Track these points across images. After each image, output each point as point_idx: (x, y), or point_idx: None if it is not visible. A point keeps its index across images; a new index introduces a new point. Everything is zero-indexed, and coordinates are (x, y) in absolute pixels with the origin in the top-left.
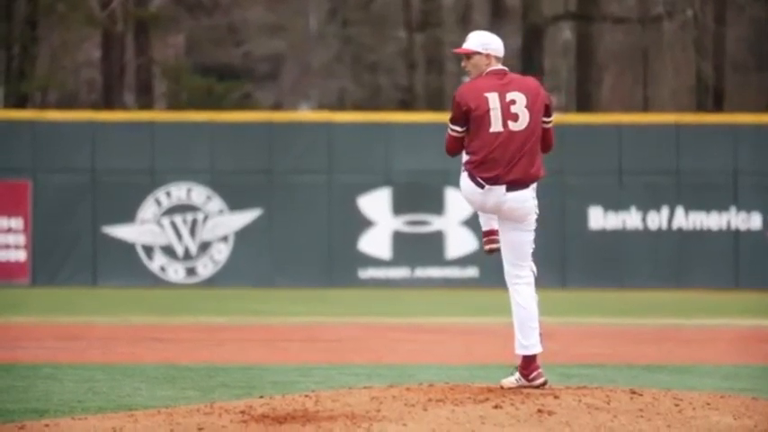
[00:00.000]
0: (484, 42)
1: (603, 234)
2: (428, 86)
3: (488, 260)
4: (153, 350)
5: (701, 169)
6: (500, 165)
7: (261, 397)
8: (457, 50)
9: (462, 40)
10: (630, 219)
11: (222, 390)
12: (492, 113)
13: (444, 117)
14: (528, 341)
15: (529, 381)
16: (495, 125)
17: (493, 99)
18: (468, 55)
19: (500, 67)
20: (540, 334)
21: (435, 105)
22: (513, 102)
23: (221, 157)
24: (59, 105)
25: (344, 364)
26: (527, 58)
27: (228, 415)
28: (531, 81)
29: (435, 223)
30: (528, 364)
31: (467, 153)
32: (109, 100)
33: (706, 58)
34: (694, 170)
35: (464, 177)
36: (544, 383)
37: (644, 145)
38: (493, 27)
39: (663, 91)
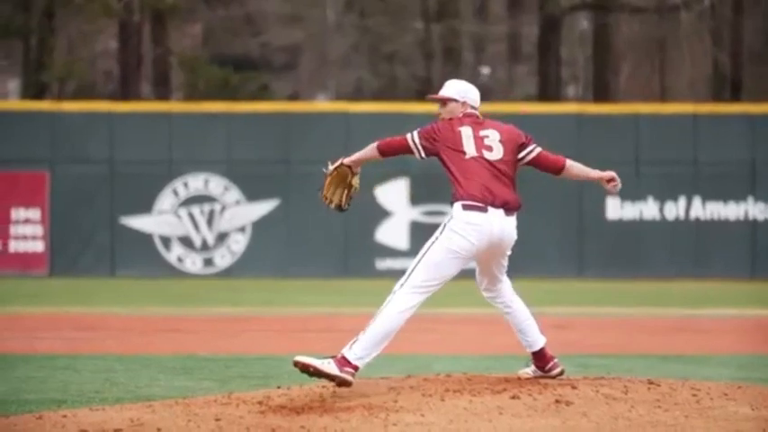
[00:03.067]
0: (461, 90)
1: (620, 224)
2: (445, 77)
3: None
4: (170, 341)
5: (718, 159)
6: (485, 187)
7: (278, 387)
8: (432, 97)
9: (481, 30)
10: (648, 209)
11: (240, 380)
12: (465, 142)
13: None
14: (530, 338)
15: (545, 372)
16: (470, 152)
17: (466, 131)
18: (444, 102)
19: (475, 111)
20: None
21: None
22: (486, 136)
23: (238, 147)
24: (77, 96)
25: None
26: (544, 49)
27: (246, 405)
28: (506, 125)
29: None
30: (540, 357)
31: (453, 187)
32: (126, 91)
33: (723, 48)
34: (711, 160)
35: (459, 209)
36: (561, 373)
37: (661, 135)
38: (510, 17)
39: (680, 81)
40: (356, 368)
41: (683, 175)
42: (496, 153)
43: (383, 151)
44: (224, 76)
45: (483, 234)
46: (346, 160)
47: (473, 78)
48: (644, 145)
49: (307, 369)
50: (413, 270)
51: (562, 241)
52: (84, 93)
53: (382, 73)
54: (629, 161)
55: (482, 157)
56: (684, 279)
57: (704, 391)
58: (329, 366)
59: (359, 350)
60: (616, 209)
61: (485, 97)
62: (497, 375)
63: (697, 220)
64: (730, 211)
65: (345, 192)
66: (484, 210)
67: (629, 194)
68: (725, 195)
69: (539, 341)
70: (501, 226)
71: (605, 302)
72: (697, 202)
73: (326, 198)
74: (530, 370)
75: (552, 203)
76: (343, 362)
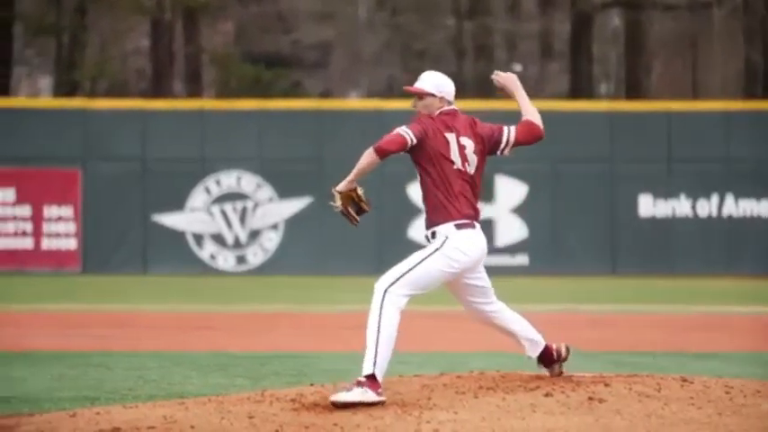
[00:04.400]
0: (438, 84)
1: (653, 221)
2: (477, 74)
3: (538, 248)
4: (203, 338)
5: (750, 156)
6: (470, 203)
7: (312, 385)
8: (410, 89)
9: (513, 27)
10: (680, 206)
11: (273, 378)
12: (452, 150)
13: (493, 105)
14: (533, 335)
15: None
16: (457, 162)
17: (452, 139)
18: (421, 96)
19: (452, 107)
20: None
21: (484, 93)
22: (464, 146)
23: (271, 145)
24: (109, 94)
25: (395, 353)
26: (576, 46)
27: (279, 403)
28: (476, 126)
29: (485, 211)
30: (543, 358)
31: (440, 202)
32: (158, 88)
33: (755, 45)
34: (744, 157)
35: (453, 230)
36: (560, 373)
37: (693, 132)
38: (542, 14)
39: (712, 78)
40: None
41: (715, 172)
42: (473, 165)
43: (385, 153)
44: (256, 73)
45: (477, 250)
46: (346, 185)
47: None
48: (676, 142)
49: (347, 406)
50: (407, 272)
51: (595, 239)
52: (116, 90)
53: (414, 70)
54: (662, 159)
55: (464, 170)
56: (717, 276)
57: (737, 389)
58: (368, 395)
59: (381, 365)
60: (649, 206)
61: None
62: (530, 373)
63: (729, 217)
64: (763, 208)
65: (357, 207)
66: (473, 227)
67: (661, 192)
68: (757, 192)
69: (541, 342)
70: (484, 240)
71: (638, 300)
72: (729, 199)
73: (348, 215)
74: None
75: (585, 201)
76: (374, 383)
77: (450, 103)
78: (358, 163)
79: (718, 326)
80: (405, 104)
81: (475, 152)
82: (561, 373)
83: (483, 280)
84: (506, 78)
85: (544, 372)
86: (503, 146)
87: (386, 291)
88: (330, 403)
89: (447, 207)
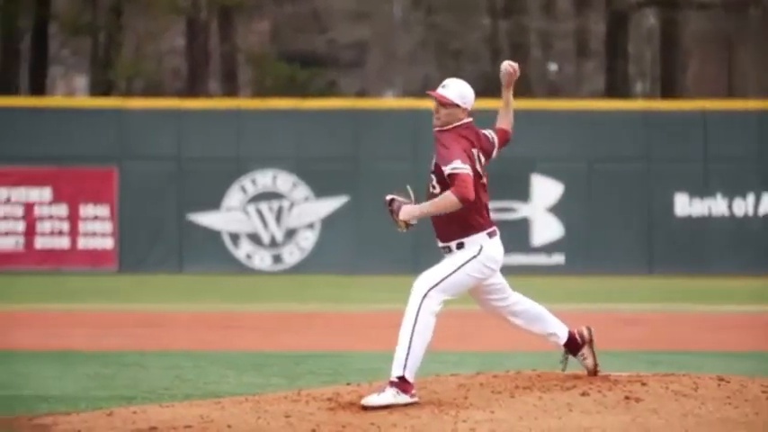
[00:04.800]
0: (463, 95)
1: (689, 221)
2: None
3: (574, 247)
4: (239, 337)
5: None
6: (489, 211)
7: (348, 384)
8: (440, 99)
9: (548, 26)
10: (716, 205)
11: (309, 377)
12: (478, 167)
13: (530, 104)
14: (554, 326)
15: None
16: (482, 177)
17: (476, 154)
18: (445, 104)
19: (470, 120)
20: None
21: (520, 93)
22: (482, 159)
23: (307, 144)
24: (144, 93)
25: (431, 352)
26: (611, 45)
27: (316, 402)
28: (482, 140)
29: (521, 210)
30: (569, 346)
31: (468, 213)
32: (194, 88)
33: None
34: None
35: (486, 239)
36: (593, 364)
37: (729, 131)
38: (578, 13)
39: (748, 77)
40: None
41: (751, 171)
42: (485, 176)
43: (468, 203)
44: (291, 72)
45: (502, 256)
46: (413, 217)
47: (541, 75)
48: (712, 141)
49: (378, 409)
50: (446, 278)
51: (631, 238)
52: (151, 90)
53: (449, 70)
54: (697, 158)
55: (485, 182)
56: (753, 275)
57: None
58: (401, 397)
59: (412, 367)
60: (685, 205)
61: (553, 93)
62: (567, 372)
63: (766, 216)
64: None
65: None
66: (497, 234)
67: (697, 191)
68: None
69: (564, 329)
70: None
71: (674, 299)
72: (766, 198)
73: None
74: (564, 364)
75: (621, 200)
76: (406, 385)
77: (469, 114)
78: (438, 203)
79: (754, 325)
80: None
81: (485, 163)
82: (593, 361)
83: (499, 277)
84: (514, 75)
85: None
86: (495, 151)
87: (425, 295)
88: (361, 407)
89: (478, 219)
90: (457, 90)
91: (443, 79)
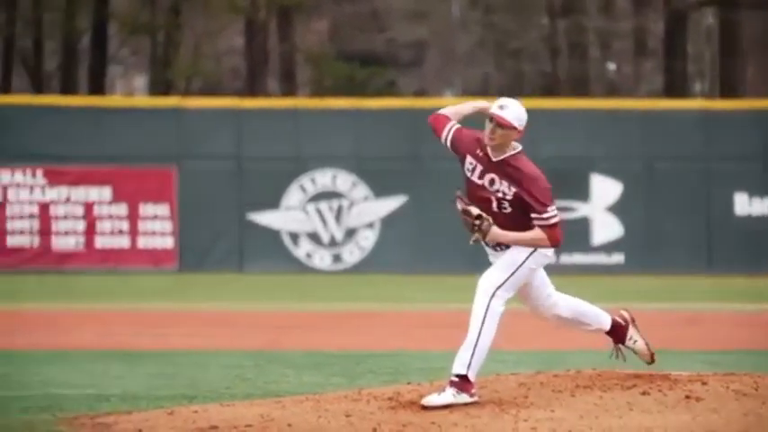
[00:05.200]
0: (521, 119)
1: (749, 220)
2: (571, 72)
3: (634, 246)
4: (300, 336)
5: None
6: None
7: (408, 383)
8: (500, 121)
9: (607, 25)
10: None
11: (370, 376)
12: None
13: (589, 103)
14: (595, 318)
15: (626, 344)
16: None
17: None
18: (504, 125)
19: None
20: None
21: (579, 92)
22: None
23: (366, 143)
24: (203, 92)
25: (492, 351)
26: (670, 44)
27: (376, 401)
28: None
29: (581, 209)
30: (614, 334)
31: (526, 223)
32: (253, 87)
33: None
34: None
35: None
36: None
37: None
38: (636, 12)
39: None
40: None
41: None
42: None
43: (558, 245)
44: (350, 72)
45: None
46: (498, 240)
47: (599, 74)
48: None
49: (438, 408)
50: (511, 275)
51: (691, 237)
52: (210, 89)
53: (508, 69)
54: (757, 157)
55: None
56: None
57: None
58: (461, 397)
59: (476, 366)
60: (744, 205)
61: (612, 93)
62: (627, 371)
63: None
64: None
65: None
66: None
67: (757, 190)
68: None
69: (606, 316)
70: None
71: (734, 298)
72: None
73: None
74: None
75: (680, 200)
76: (467, 384)
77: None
78: (527, 240)
79: None
80: None
81: None
82: (643, 341)
83: (543, 272)
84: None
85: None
86: None
87: (492, 295)
88: (421, 406)
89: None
90: (516, 113)
91: (501, 79)
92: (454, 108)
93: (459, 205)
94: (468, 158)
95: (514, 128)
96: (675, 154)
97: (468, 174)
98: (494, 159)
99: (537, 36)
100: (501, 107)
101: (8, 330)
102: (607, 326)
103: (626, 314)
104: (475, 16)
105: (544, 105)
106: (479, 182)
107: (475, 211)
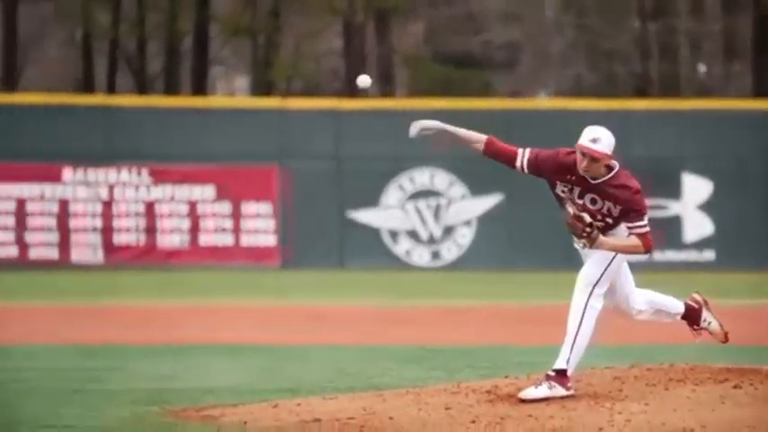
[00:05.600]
0: (611, 143)
1: None
2: (662, 74)
3: (725, 244)
4: (400, 332)
5: None
6: None
7: (506, 377)
8: (595, 155)
9: (697, 27)
10: None
11: (468, 370)
12: None
13: (679, 104)
14: (673, 306)
15: (700, 325)
16: None
17: None
18: (599, 158)
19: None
20: None
21: (670, 93)
22: None
23: None
24: (303, 93)
25: (587, 345)
26: (760, 47)
27: (475, 395)
28: None
29: (672, 208)
30: (688, 318)
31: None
32: (351, 88)
33: None
34: None
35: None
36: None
37: None
38: (726, 14)
39: None
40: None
41: None
42: None
43: (650, 252)
44: (446, 73)
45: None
46: (603, 247)
47: (690, 75)
48: None
49: (535, 401)
50: (605, 271)
51: None
52: (310, 90)
53: (600, 70)
54: None
55: None
56: None
57: None
58: (557, 390)
59: (573, 362)
60: None
61: (702, 94)
62: (719, 365)
63: None
64: None
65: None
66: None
67: None
68: None
69: (679, 303)
70: None
71: None
72: None
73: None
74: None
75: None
76: (564, 378)
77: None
78: (627, 247)
79: None
80: (591, 104)
81: None
82: (717, 321)
83: (627, 269)
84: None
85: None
86: None
87: (590, 293)
88: (519, 399)
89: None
90: (606, 143)
91: (594, 80)
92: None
93: (571, 210)
94: (560, 185)
95: (607, 156)
96: (765, 153)
97: (563, 194)
98: (593, 182)
99: (628, 38)
100: (593, 140)
101: (117, 326)
102: (682, 311)
103: (698, 297)
104: (567, 19)
105: (636, 106)
106: (579, 201)
107: (587, 219)
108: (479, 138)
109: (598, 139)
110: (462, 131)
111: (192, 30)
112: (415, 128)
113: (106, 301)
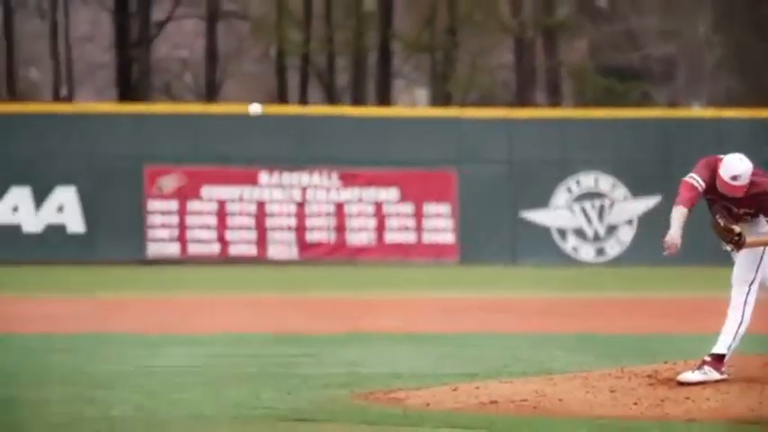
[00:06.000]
0: (749, 172)
1: None
2: None
3: None
4: (567, 321)
5: None
6: None
7: (665, 363)
8: (740, 192)
9: None
10: None
11: (632, 356)
12: None
13: None
14: None
15: None
16: None
17: None
18: (741, 189)
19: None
20: None
21: None
22: None
23: (624, 149)
24: (478, 104)
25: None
26: None
27: (637, 378)
28: None
29: None
30: None
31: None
32: (522, 99)
33: None
34: None
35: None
36: None
37: None
38: None
39: None
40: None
41: None
42: None
43: None
44: (608, 84)
45: None
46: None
47: None
48: None
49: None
50: (757, 271)
51: None
52: (484, 100)
53: (750, 82)
54: None
55: None
56: None
57: None
58: (712, 374)
59: (732, 348)
60: None
61: None
62: None
63: None
64: None
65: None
66: None
67: None
68: None
69: None
70: None
71: None
72: None
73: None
74: None
75: None
76: (719, 363)
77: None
78: (763, 239)
79: None
80: (740, 114)
81: None
82: None
83: None
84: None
85: None
86: None
87: (748, 291)
88: (678, 382)
89: None
90: (745, 175)
91: (744, 92)
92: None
93: (722, 222)
94: (717, 204)
95: (751, 182)
96: None
97: (722, 207)
98: (742, 196)
99: None
100: (733, 178)
101: (310, 316)
102: None
103: None
104: (719, 37)
105: None
106: (724, 202)
107: (737, 229)
108: (683, 212)
109: (738, 176)
110: (676, 224)
111: (377, 46)
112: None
113: (300, 293)
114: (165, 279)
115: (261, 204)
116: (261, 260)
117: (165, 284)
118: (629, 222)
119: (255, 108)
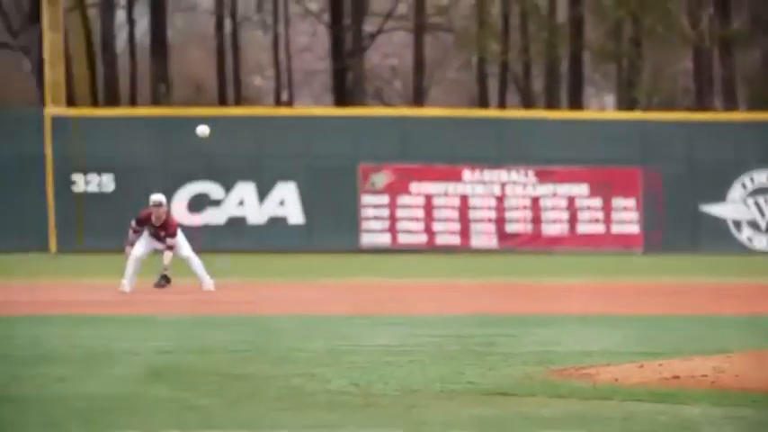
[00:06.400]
0: None
1: None
2: None
3: None
4: (743, 304)
5: None
6: None
7: None
8: None
9: None
10: None
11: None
12: None
13: None
14: None
15: None
16: None
17: None
18: None
19: None
20: None
21: None
22: None
23: None
24: (660, 107)
25: None
26: None
27: None
28: None
29: None
30: None
31: None
32: (701, 103)
33: None
34: None
35: None
36: None
37: None
38: None
39: None
40: None
41: None
42: None
43: None
44: None
45: None
46: None
47: None
48: None
49: None
50: None
51: None
52: (666, 105)
53: None
54: None
55: None
56: None
57: None
58: None
59: None
60: None
61: None
62: None
63: None
64: None
65: None
66: None
67: None
68: None
69: None
70: None
71: None
72: None
73: None
74: None
75: None
76: None
77: None
78: None
79: None
80: None
81: None
82: None
83: None
84: None
85: None
86: None
87: None
88: None
89: None
90: None
91: None
92: None
93: None
94: None
95: None
96: None
97: None
98: None
99: None
100: None
101: (510, 299)
102: None
103: None
104: None
105: None
106: None
107: None
108: None
109: None
110: None
111: (569, 55)
112: None
113: (499, 279)
114: (377, 266)
115: (464, 198)
116: (464, 249)
117: (378, 271)
118: None
119: (203, 129)
